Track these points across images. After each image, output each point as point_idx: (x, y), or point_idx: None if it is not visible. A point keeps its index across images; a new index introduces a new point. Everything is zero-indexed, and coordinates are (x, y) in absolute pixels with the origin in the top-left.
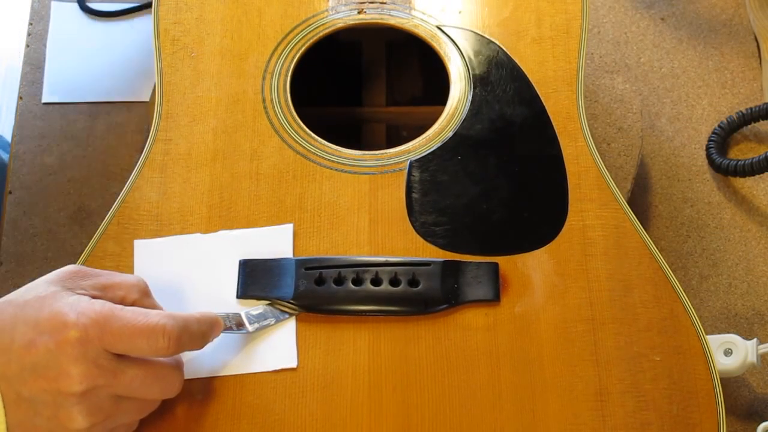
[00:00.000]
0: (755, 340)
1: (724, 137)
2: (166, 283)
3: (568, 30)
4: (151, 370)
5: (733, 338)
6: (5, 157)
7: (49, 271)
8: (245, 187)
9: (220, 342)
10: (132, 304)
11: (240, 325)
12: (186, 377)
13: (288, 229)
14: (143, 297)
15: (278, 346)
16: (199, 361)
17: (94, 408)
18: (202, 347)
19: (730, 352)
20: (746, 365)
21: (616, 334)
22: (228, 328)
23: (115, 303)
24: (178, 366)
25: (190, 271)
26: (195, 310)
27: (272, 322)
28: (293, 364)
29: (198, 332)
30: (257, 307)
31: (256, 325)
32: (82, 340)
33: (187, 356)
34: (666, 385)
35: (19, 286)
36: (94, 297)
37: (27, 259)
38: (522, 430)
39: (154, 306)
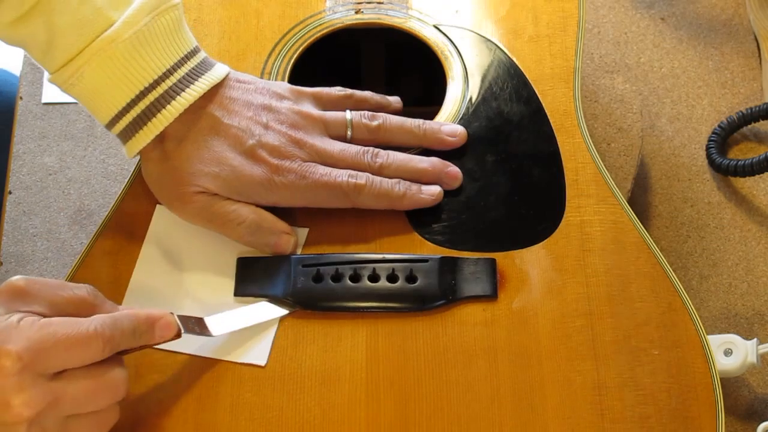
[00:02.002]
0: (755, 340)
1: (724, 137)
2: (171, 252)
3: (565, 28)
4: (92, 379)
5: (733, 338)
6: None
7: (49, 271)
8: None
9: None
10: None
11: (203, 328)
12: (164, 348)
13: (303, 232)
14: (95, 306)
15: (254, 340)
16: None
17: None
18: (139, 345)
19: (730, 352)
20: (746, 365)
21: (614, 328)
22: (191, 330)
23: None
24: (119, 364)
25: (198, 248)
26: (192, 283)
27: (247, 324)
28: (262, 362)
29: (130, 329)
30: (238, 310)
31: (223, 332)
32: (18, 369)
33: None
34: (664, 378)
35: None
36: (37, 314)
37: (27, 259)
38: (521, 425)
39: (107, 310)
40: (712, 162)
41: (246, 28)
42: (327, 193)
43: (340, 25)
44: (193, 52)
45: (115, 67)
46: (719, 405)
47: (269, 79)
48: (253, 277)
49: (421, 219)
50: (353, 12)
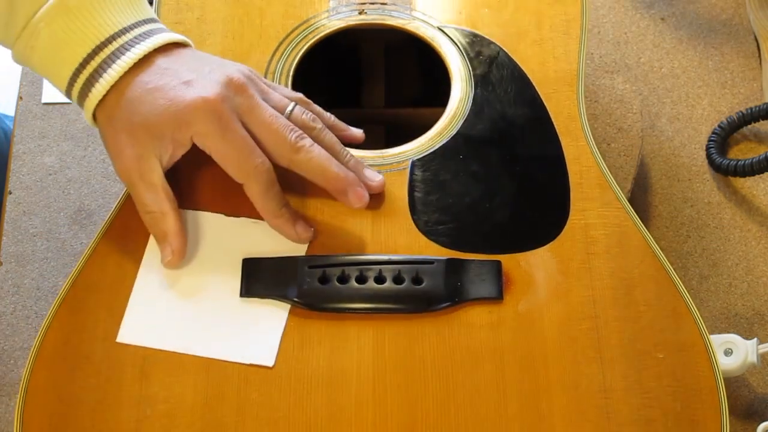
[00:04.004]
0: (755, 340)
1: (724, 137)
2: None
3: (568, 31)
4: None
5: (733, 338)
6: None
7: (49, 271)
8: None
9: (209, 321)
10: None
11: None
12: (170, 349)
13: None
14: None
15: (261, 340)
16: (182, 335)
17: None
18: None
19: (731, 351)
20: (746, 365)
21: (620, 331)
22: None
23: None
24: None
25: (204, 249)
26: (198, 284)
27: None
28: (269, 363)
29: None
30: None
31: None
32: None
33: (179, 323)
34: (670, 382)
35: (19, 286)
36: None
37: (27, 259)
38: (527, 427)
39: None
40: (712, 162)
41: (250, 27)
42: (234, 155)
43: (344, 25)
44: (155, 21)
45: (71, 21)
46: (723, 408)
47: (274, 79)
48: (259, 277)
49: (425, 220)
50: (357, 13)
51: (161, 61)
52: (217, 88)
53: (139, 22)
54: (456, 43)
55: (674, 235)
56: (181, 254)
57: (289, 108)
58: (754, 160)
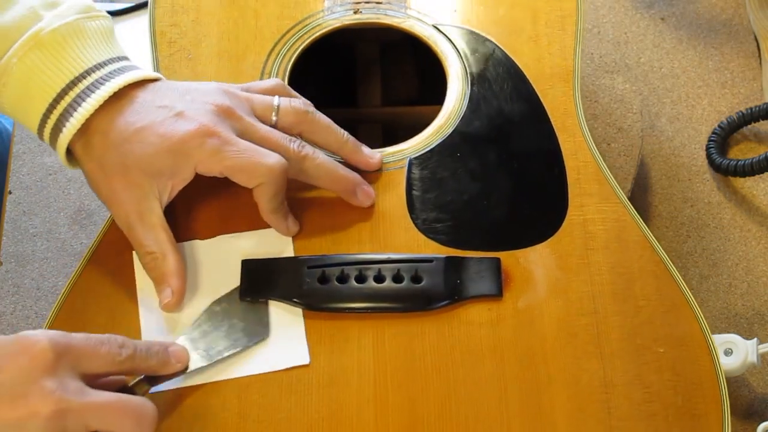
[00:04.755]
0: (755, 339)
1: (724, 137)
2: None
3: (563, 27)
4: (118, 399)
5: (733, 338)
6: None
7: (49, 271)
8: (245, 189)
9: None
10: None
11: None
12: (196, 383)
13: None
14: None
15: (289, 344)
16: (207, 366)
17: None
18: (152, 370)
19: (731, 351)
20: (746, 365)
21: (620, 326)
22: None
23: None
24: (150, 404)
25: (191, 277)
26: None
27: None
28: (306, 360)
29: (144, 344)
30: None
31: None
32: (55, 351)
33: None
34: (670, 376)
35: (19, 286)
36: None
37: (27, 259)
38: (528, 424)
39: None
40: (712, 162)
41: (245, 28)
42: (244, 168)
43: (339, 25)
44: (126, 59)
45: (44, 56)
46: (725, 402)
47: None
48: (258, 279)
49: (423, 218)
50: (352, 12)
51: (140, 97)
52: (207, 116)
53: (113, 59)
54: (451, 41)
55: (674, 235)
56: (182, 295)
57: (275, 103)
58: (754, 160)
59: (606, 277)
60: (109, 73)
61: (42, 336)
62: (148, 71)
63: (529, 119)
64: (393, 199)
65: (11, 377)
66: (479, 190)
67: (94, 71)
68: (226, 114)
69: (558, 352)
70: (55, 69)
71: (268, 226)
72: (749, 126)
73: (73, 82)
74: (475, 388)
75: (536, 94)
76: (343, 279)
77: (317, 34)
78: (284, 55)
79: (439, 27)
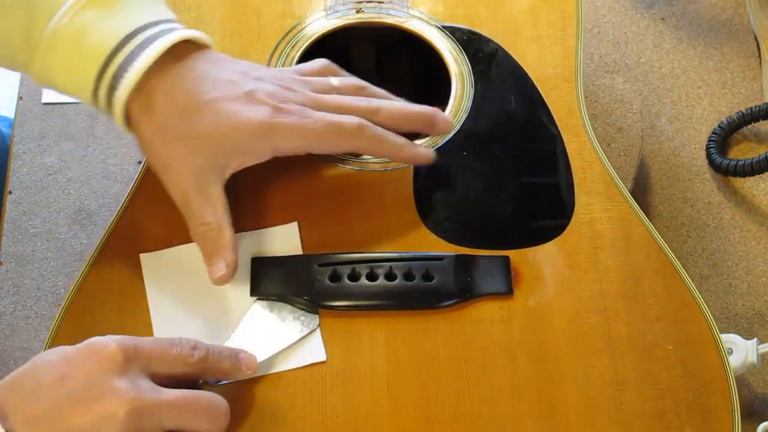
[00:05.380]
0: (755, 339)
1: (724, 137)
2: (178, 294)
3: (565, 27)
4: (195, 395)
5: (734, 338)
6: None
7: (49, 271)
8: (251, 188)
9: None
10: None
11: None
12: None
13: (293, 227)
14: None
15: (305, 342)
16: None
17: None
18: (223, 374)
19: (731, 351)
20: (746, 365)
21: (629, 324)
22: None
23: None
24: (222, 400)
25: (200, 279)
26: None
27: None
28: (322, 357)
29: (216, 348)
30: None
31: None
32: (124, 353)
33: None
34: (680, 373)
35: (19, 286)
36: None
37: (27, 259)
38: (541, 420)
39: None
40: (712, 162)
41: (248, 26)
42: (329, 133)
43: (342, 24)
44: (176, 21)
45: (97, 13)
46: (734, 397)
47: None
48: (268, 276)
49: (432, 217)
50: (354, 11)
51: (200, 66)
52: (279, 95)
53: (165, 20)
54: (454, 41)
55: (674, 235)
56: (235, 269)
57: (334, 83)
58: (754, 160)
59: (614, 275)
60: (162, 30)
61: (110, 340)
62: (200, 32)
63: (533, 119)
64: (401, 198)
65: (83, 382)
66: (486, 189)
67: (147, 28)
68: (292, 92)
69: (569, 349)
70: (109, 26)
71: (276, 224)
72: (749, 126)
73: (127, 38)
74: (487, 386)
75: (540, 94)
76: (354, 277)
77: (319, 34)
78: (287, 54)
79: (441, 27)
